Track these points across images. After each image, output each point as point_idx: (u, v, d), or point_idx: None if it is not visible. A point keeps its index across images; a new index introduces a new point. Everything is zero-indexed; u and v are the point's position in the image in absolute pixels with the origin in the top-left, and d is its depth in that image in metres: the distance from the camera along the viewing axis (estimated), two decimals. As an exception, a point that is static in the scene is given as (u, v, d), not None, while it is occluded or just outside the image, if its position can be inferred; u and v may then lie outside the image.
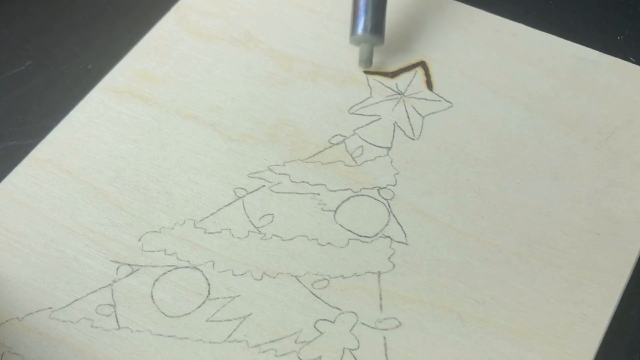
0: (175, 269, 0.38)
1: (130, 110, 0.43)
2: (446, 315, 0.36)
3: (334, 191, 0.40)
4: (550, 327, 0.36)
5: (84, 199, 0.40)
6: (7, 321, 0.36)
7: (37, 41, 0.48)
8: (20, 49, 0.47)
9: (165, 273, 0.38)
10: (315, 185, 0.41)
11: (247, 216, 0.40)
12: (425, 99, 0.44)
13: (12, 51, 0.47)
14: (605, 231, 0.39)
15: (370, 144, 0.42)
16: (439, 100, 0.44)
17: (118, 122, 0.43)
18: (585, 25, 0.48)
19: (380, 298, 0.37)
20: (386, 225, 0.39)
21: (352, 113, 0.43)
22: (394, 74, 0.45)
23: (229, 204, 0.40)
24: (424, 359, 0.35)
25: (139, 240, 0.39)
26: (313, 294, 0.37)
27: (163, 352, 0.36)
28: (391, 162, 0.42)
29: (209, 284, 0.37)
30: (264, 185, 0.41)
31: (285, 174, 0.41)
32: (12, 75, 0.46)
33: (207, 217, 0.40)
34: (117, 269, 0.38)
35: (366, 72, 0.45)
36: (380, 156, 0.42)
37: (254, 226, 0.39)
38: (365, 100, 0.44)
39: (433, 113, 0.43)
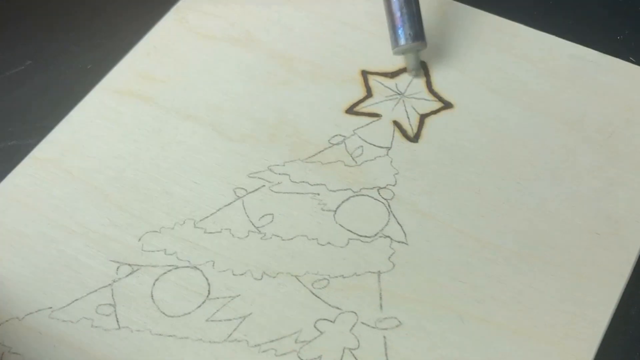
0: (176, 268, 0.38)
1: (131, 111, 0.43)
2: (446, 315, 0.36)
3: (334, 191, 0.40)
4: (550, 326, 0.36)
5: (84, 199, 0.40)
6: (7, 321, 0.36)
7: (37, 41, 0.48)
8: (20, 48, 0.47)
9: (165, 273, 0.38)
10: (315, 185, 0.41)
11: (247, 216, 0.40)
12: (425, 99, 0.44)
13: (11, 51, 0.47)
14: (605, 231, 0.39)
15: (370, 144, 0.42)
16: (439, 101, 0.44)
17: (118, 122, 0.43)
18: (585, 25, 0.48)
19: (380, 298, 0.37)
20: (386, 225, 0.39)
21: (352, 113, 0.43)
22: (393, 75, 0.45)
23: (229, 204, 0.40)
24: (423, 358, 0.35)
25: (139, 240, 0.39)
26: (313, 293, 0.37)
27: (163, 352, 0.36)
28: (391, 162, 0.42)
29: (209, 284, 0.37)
30: (264, 185, 0.41)
31: (285, 174, 0.41)
32: (12, 75, 0.46)
33: (207, 217, 0.40)
34: (117, 268, 0.38)
35: (366, 73, 0.45)
36: (380, 156, 0.42)
37: (254, 226, 0.39)
38: (365, 100, 0.44)
39: (433, 113, 0.43)
